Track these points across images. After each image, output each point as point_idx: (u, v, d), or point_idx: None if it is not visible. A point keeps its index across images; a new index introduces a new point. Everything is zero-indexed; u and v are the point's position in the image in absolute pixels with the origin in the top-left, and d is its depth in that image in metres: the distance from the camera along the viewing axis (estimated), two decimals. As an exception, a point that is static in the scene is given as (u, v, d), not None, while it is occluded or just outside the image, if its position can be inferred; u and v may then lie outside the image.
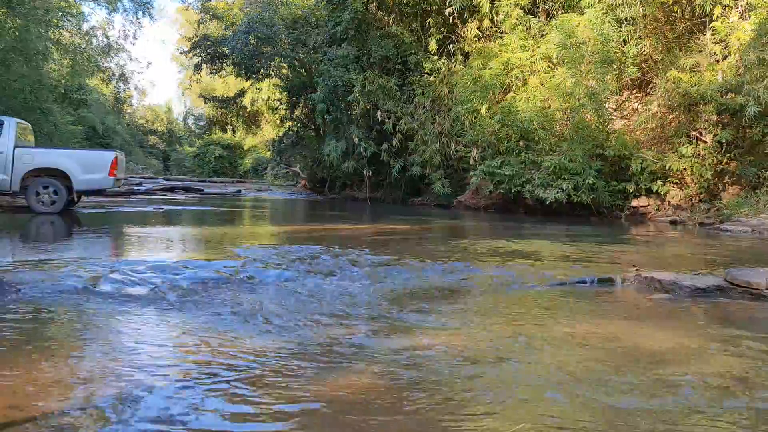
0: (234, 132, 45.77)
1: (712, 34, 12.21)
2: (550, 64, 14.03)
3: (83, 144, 27.33)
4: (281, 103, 27.13)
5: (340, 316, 3.78)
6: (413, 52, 17.47)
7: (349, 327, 3.53)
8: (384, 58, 17.73)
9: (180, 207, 13.87)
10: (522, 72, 14.50)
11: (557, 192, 12.24)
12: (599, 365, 2.93)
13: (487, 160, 13.72)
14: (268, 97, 30.47)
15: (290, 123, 25.75)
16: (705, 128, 11.90)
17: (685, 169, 11.72)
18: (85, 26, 27.68)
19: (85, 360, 2.79)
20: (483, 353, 3.09)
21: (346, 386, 2.57)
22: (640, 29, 13.07)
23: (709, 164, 11.59)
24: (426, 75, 17.03)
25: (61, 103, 25.86)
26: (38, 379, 2.52)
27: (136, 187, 19.92)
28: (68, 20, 23.58)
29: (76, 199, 11.19)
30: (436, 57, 16.86)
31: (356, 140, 17.60)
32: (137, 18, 31.53)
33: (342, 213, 14.59)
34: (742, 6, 12.14)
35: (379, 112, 17.01)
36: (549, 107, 13.54)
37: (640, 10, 12.77)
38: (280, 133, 27.35)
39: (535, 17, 15.15)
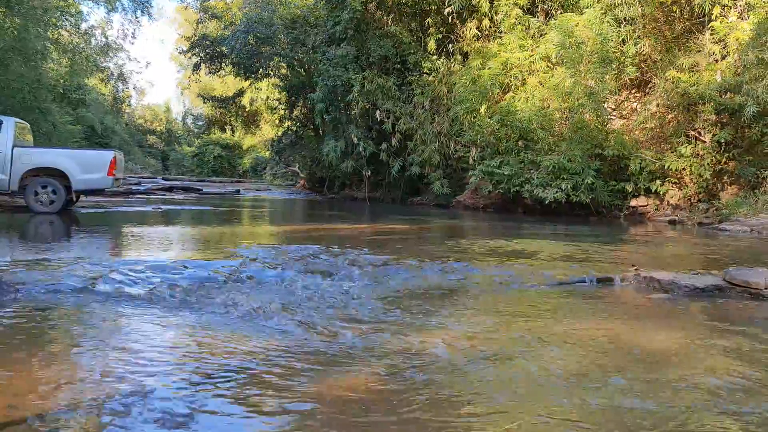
0: (233, 132, 45.73)
1: (711, 34, 12.22)
2: (549, 64, 14.04)
3: (82, 144, 27.29)
4: (280, 103, 27.12)
5: (339, 316, 3.78)
6: (412, 51, 17.47)
7: (348, 327, 3.53)
8: (383, 57, 17.73)
9: (179, 207, 13.86)
10: (521, 72, 14.51)
11: (556, 192, 12.25)
12: (599, 365, 2.94)
13: (486, 160, 13.73)
14: (267, 97, 30.45)
15: (289, 123, 25.74)
16: (704, 128, 11.91)
17: (683, 168, 11.74)
18: (83, 26, 27.73)
19: (84, 360, 2.79)
20: (482, 353, 3.09)
21: (345, 386, 2.57)
22: (639, 29, 13.08)
23: (708, 164, 11.61)
24: (425, 75, 17.04)
25: (59, 102, 25.85)
26: (38, 378, 2.52)
27: (134, 187, 19.90)
28: (67, 20, 23.55)
29: (74, 199, 11.18)
30: (435, 57, 16.87)
31: (355, 140, 17.60)
32: (136, 17, 31.51)
33: (341, 213, 14.58)
34: (740, 6, 12.15)
35: (378, 112, 17.02)
36: (548, 107, 13.55)
37: (639, 9, 12.78)
38: (279, 133, 27.34)
39: (534, 17, 15.16)
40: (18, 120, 10.93)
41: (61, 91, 25.40)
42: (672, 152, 11.94)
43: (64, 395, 2.36)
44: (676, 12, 13.09)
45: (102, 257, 5.61)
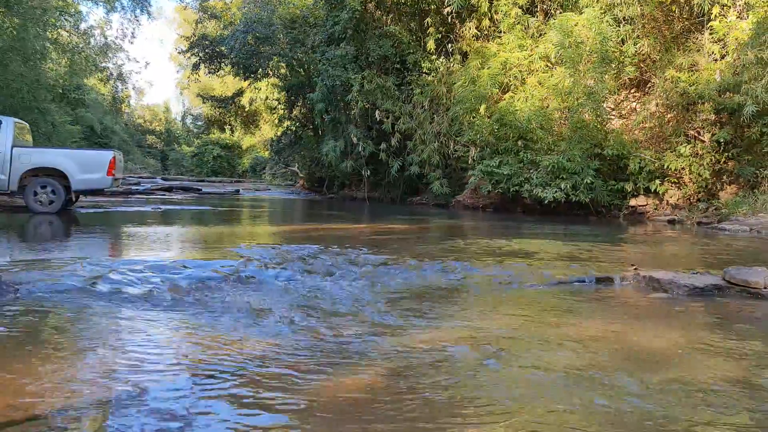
0: (232, 132, 45.68)
1: (710, 34, 12.23)
2: (549, 64, 14.05)
3: (81, 144, 27.29)
4: (279, 103, 27.10)
5: (339, 316, 3.78)
6: (411, 51, 17.47)
7: (347, 327, 3.53)
8: (382, 57, 17.73)
9: (178, 207, 13.85)
10: (520, 71, 14.52)
11: (555, 191, 12.26)
12: (598, 365, 2.94)
13: (486, 160, 13.73)
14: (267, 97, 30.43)
15: (288, 123, 25.72)
16: (703, 127, 11.93)
17: (683, 168, 11.75)
18: (83, 26, 27.67)
19: (84, 360, 2.79)
20: (482, 353, 3.09)
21: (345, 386, 2.57)
22: (639, 29, 13.09)
23: (707, 163, 11.62)
24: (424, 74, 17.04)
25: (59, 102, 25.82)
26: (37, 378, 2.52)
27: (134, 187, 19.90)
28: (66, 20, 23.53)
29: (74, 199, 11.17)
30: (434, 56, 16.87)
31: (355, 140, 17.60)
32: (135, 16, 31.39)
33: (340, 212, 14.58)
34: (740, 5, 12.16)
35: (377, 112, 17.03)
36: (547, 107, 13.55)
37: (639, 9, 12.79)
38: (279, 133, 27.32)
39: (534, 17, 15.16)
40: (17, 120, 10.92)
41: (61, 91, 25.37)
42: (671, 152, 11.94)
43: (63, 395, 2.35)
44: (675, 11, 13.10)
45: (101, 257, 5.60)
